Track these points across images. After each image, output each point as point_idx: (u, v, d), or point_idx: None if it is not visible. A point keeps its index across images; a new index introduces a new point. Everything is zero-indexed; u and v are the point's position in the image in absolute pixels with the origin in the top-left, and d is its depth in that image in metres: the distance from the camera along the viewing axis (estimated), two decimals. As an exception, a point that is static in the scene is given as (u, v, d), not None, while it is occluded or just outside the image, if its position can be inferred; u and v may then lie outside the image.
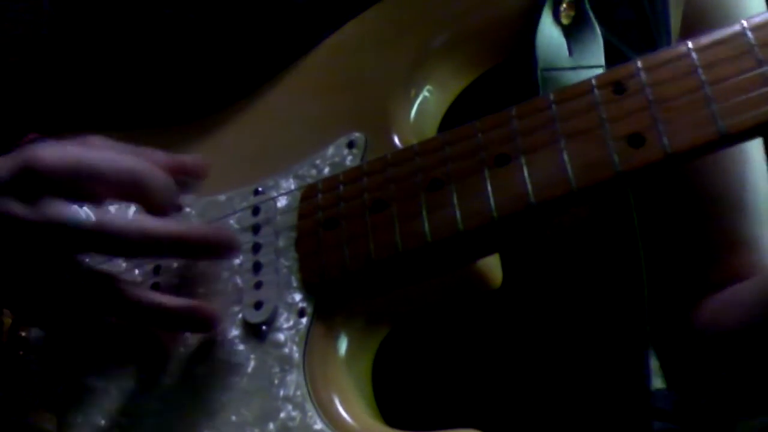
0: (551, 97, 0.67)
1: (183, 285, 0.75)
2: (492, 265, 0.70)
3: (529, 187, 0.65)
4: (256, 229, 0.75)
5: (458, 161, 0.68)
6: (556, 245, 0.76)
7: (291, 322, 0.70)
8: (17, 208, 0.67)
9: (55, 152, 0.68)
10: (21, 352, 0.78)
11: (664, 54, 0.65)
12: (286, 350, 0.70)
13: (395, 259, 0.68)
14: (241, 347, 0.71)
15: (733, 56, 0.62)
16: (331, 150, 0.75)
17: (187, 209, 0.78)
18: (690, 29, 0.88)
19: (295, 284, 0.71)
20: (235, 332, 0.72)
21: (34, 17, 0.85)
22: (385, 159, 0.71)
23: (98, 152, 0.70)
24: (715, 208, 0.90)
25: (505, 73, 0.76)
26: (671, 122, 0.62)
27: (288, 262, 0.72)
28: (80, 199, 0.67)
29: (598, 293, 0.79)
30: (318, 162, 0.75)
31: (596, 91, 0.65)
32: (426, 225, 0.67)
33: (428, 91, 0.76)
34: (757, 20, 0.62)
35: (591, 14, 0.76)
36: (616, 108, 0.64)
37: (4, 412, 0.76)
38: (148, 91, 0.84)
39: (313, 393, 0.68)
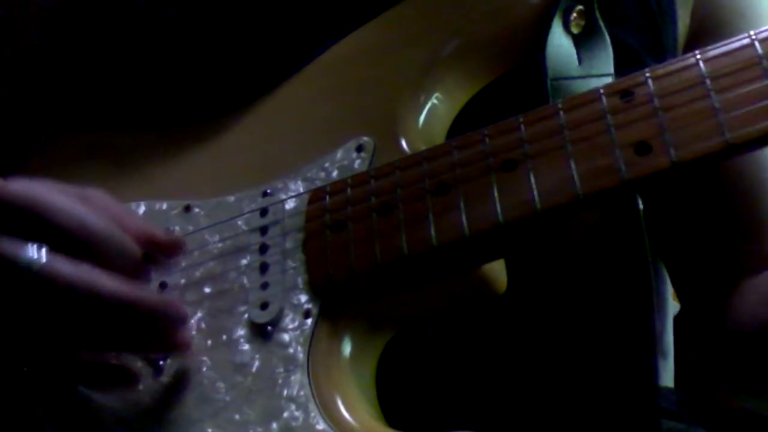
0: (559, 104, 0.67)
1: (189, 284, 0.76)
2: (497, 271, 0.71)
3: (536, 193, 0.65)
4: (264, 230, 0.75)
5: (466, 166, 0.68)
6: (562, 249, 0.76)
7: (296, 323, 0.71)
8: None
9: (15, 187, 0.67)
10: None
11: (672, 64, 0.65)
12: (291, 351, 0.70)
13: (401, 262, 0.69)
14: (247, 347, 0.72)
15: (740, 67, 0.62)
16: (339, 153, 0.76)
17: (196, 210, 0.79)
18: (700, 34, 0.88)
19: (301, 285, 0.72)
20: (240, 332, 0.73)
21: (37, 21, 0.86)
22: (393, 163, 0.72)
23: (60, 197, 0.68)
24: (743, 195, 0.89)
25: (515, 81, 0.77)
26: (678, 131, 0.62)
27: (295, 264, 0.73)
28: (39, 240, 0.66)
29: (604, 296, 0.79)
30: (327, 165, 0.76)
31: (604, 99, 0.66)
32: (432, 229, 0.68)
33: (437, 98, 0.77)
34: (765, 32, 0.63)
35: (601, 23, 0.77)
36: (623, 116, 0.64)
37: (4, 413, 0.76)
38: (161, 93, 0.84)
39: (316, 393, 0.68)
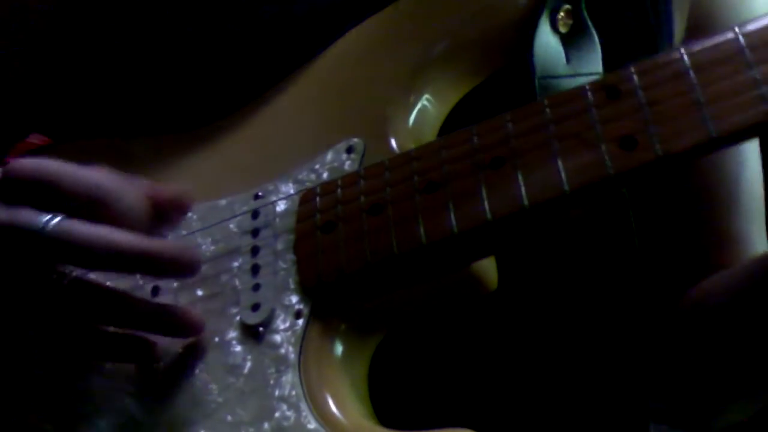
0: (545, 101, 0.67)
1: (182, 287, 0.76)
2: (487, 268, 0.71)
3: (523, 189, 0.65)
4: (255, 232, 0.76)
5: (453, 164, 0.69)
6: (552, 246, 0.76)
7: (287, 324, 0.71)
8: None
9: (27, 161, 0.69)
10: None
11: (657, 58, 0.65)
12: (282, 351, 0.70)
13: (391, 261, 0.69)
14: (238, 348, 0.72)
15: (724, 59, 0.62)
16: (330, 155, 0.76)
17: (188, 213, 0.79)
18: (696, 32, 0.88)
19: (292, 286, 0.72)
20: (232, 334, 0.73)
21: (36, 23, 0.86)
22: (382, 163, 0.72)
23: (70, 166, 0.70)
24: (708, 203, 0.90)
25: (504, 81, 0.77)
26: (663, 125, 0.63)
27: (286, 265, 0.73)
28: (54, 209, 0.67)
29: (595, 294, 0.80)
30: (317, 167, 0.76)
31: (589, 94, 0.66)
32: (421, 228, 0.68)
33: (427, 98, 0.77)
34: (748, 25, 0.63)
35: (589, 22, 0.77)
36: (608, 111, 0.65)
37: (4, 413, 0.77)
38: (150, 98, 0.85)
39: (307, 393, 0.68)
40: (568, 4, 0.77)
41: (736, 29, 0.63)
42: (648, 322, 0.83)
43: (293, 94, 0.81)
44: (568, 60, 0.76)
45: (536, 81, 0.75)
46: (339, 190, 0.73)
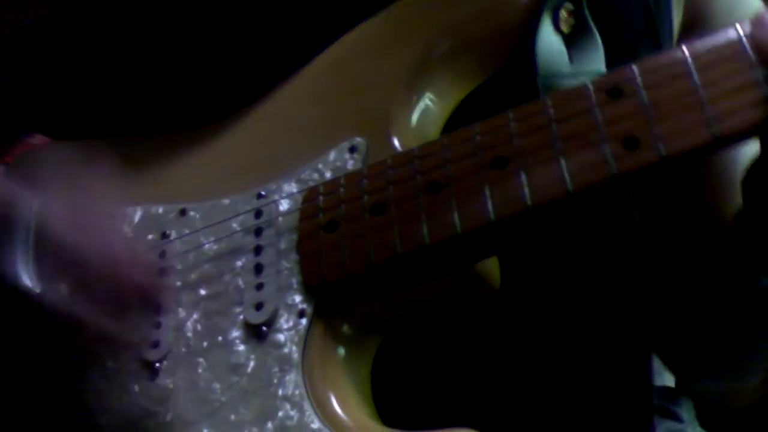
0: (548, 100, 0.67)
1: (185, 287, 0.76)
2: (490, 268, 0.71)
3: (526, 189, 0.66)
4: (258, 231, 0.76)
5: (457, 164, 0.69)
6: (554, 244, 0.76)
7: (291, 323, 0.71)
8: None
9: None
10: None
11: (659, 58, 0.65)
12: (286, 350, 0.70)
13: (394, 261, 0.69)
14: (242, 347, 0.72)
15: (726, 60, 0.62)
16: (333, 155, 0.76)
17: (192, 213, 0.79)
18: (692, 27, 0.88)
19: (295, 286, 0.72)
20: (236, 333, 0.73)
21: (33, 22, 0.86)
22: (385, 162, 0.72)
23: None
24: (710, 187, 0.89)
25: (507, 81, 0.77)
26: (666, 125, 0.63)
27: (289, 264, 0.73)
28: None
29: (598, 292, 0.80)
30: (320, 166, 0.76)
31: (592, 94, 0.66)
32: (424, 227, 0.68)
33: (430, 98, 0.77)
34: (751, 25, 0.63)
35: (591, 21, 0.77)
36: (611, 111, 0.65)
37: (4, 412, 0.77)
38: (151, 98, 0.85)
39: (311, 392, 0.68)
40: (570, 3, 0.77)
41: (739, 29, 0.63)
42: (651, 319, 0.83)
43: (296, 93, 0.81)
44: (570, 59, 0.76)
45: (539, 80, 0.75)
46: (342, 189, 0.73)
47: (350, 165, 0.75)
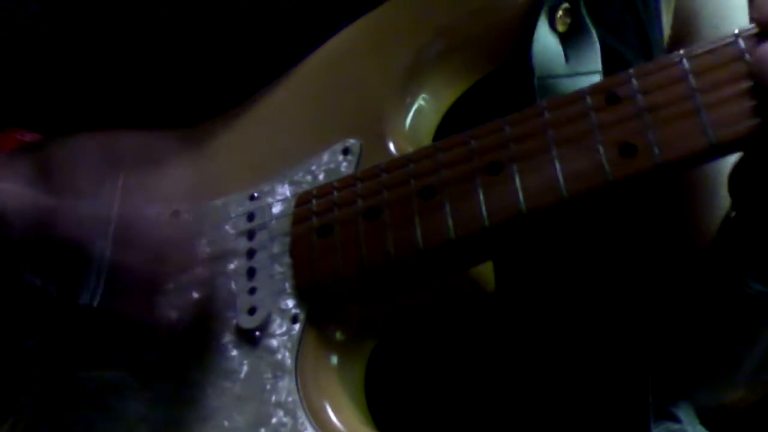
0: (544, 104, 0.67)
1: (177, 289, 0.75)
2: (485, 272, 0.71)
3: (521, 195, 0.65)
4: (251, 234, 0.75)
5: (451, 169, 0.68)
6: (549, 248, 0.75)
7: (284, 328, 0.71)
8: None
9: None
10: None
11: (656, 62, 0.64)
12: (279, 356, 0.70)
13: (387, 266, 0.68)
14: (235, 353, 0.72)
15: (724, 65, 0.61)
16: (326, 156, 0.75)
17: (184, 215, 0.79)
18: (681, 30, 0.88)
19: (288, 290, 0.72)
20: (228, 337, 0.73)
21: (31, 20, 0.85)
22: (379, 166, 0.71)
23: None
24: (689, 197, 0.89)
25: (502, 81, 0.76)
26: (662, 131, 0.62)
27: (282, 268, 0.72)
28: None
29: (592, 294, 0.79)
30: (313, 168, 0.75)
31: (588, 99, 0.65)
32: (418, 232, 0.67)
33: (424, 98, 0.76)
34: (749, 29, 0.62)
35: (588, 21, 0.76)
36: (607, 116, 0.64)
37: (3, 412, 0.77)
38: (143, 97, 0.84)
39: (304, 399, 0.68)
40: (567, 2, 0.76)
41: (737, 34, 0.62)
42: (646, 321, 0.82)
43: (289, 94, 0.81)
44: (567, 59, 0.76)
45: (535, 80, 0.74)
46: (335, 193, 0.72)
47: (344, 166, 0.74)
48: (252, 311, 0.72)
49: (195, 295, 0.75)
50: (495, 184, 0.66)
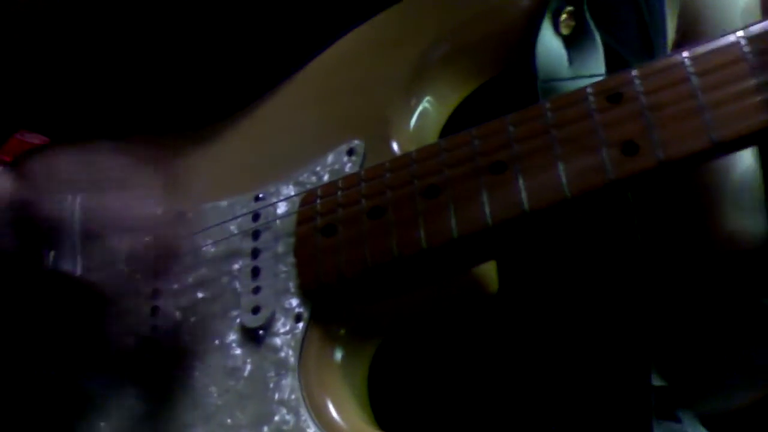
0: (547, 104, 0.67)
1: (183, 289, 0.76)
2: (488, 272, 0.71)
3: (524, 194, 0.65)
4: (255, 234, 0.75)
5: (454, 168, 0.68)
6: (553, 248, 0.76)
7: (287, 327, 0.71)
8: None
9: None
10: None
11: (659, 62, 0.65)
12: (282, 355, 0.70)
13: (391, 265, 0.69)
14: (238, 351, 0.72)
15: (727, 65, 0.62)
16: (330, 157, 0.76)
17: (190, 215, 0.79)
18: (686, 30, 0.88)
19: (292, 289, 0.72)
20: (232, 336, 0.73)
21: (34, 21, 0.86)
22: (383, 165, 0.72)
23: None
24: (698, 197, 0.89)
25: (506, 83, 0.77)
26: (665, 130, 0.62)
27: (286, 268, 0.73)
28: None
29: (596, 296, 0.79)
30: (318, 169, 0.76)
31: (591, 98, 0.65)
32: (422, 231, 0.68)
33: (428, 101, 0.77)
34: (751, 29, 0.63)
35: (591, 24, 0.76)
36: (610, 116, 0.64)
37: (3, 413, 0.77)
38: (149, 99, 0.85)
39: (307, 397, 0.68)
40: (571, 5, 0.76)
41: (739, 33, 0.63)
42: (648, 321, 0.82)
43: (294, 95, 0.81)
44: (570, 62, 0.76)
45: (539, 83, 0.74)
46: (339, 193, 0.73)
47: (348, 167, 0.75)
48: (256, 310, 0.72)
49: (200, 294, 0.75)
50: (498, 183, 0.66)
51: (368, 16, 0.79)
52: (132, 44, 0.85)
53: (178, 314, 0.75)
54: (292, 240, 0.73)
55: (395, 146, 0.74)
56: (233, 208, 0.78)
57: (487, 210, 0.66)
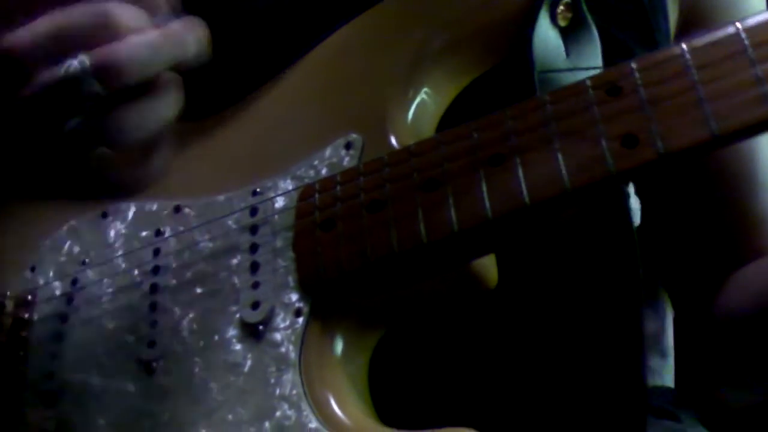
0: (546, 97, 0.67)
1: (181, 285, 0.76)
2: (487, 266, 0.71)
3: (524, 187, 0.65)
4: (254, 229, 0.75)
5: (454, 161, 0.68)
6: (552, 243, 0.76)
7: (287, 322, 0.71)
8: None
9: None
10: (21, 353, 0.79)
11: (658, 54, 0.65)
12: (283, 350, 0.70)
13: (391, 259, 0.68)
14: (238, 347, 0.72)
15: (726, 57, 0.62)
16: (328, 151, 0.75)
17: (186, 210, 0.79)
18: (687, 27, 0.88)
19: (291, 284, 0.72)
20: (232, 332, 0.73)
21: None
22: (381, 159, 0.71)
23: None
24: (730, 188, 0.89)
25: (503, 75, 0.77)
26: (665, 123, 0.62)
27: (285, 262, 0.73)
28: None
29: (594, 291, 0.79)
30: (316, 163, 0.76)
31: (590, 91, 0.65)
32: (421, 225, 0.68)
33: (426, 93, 0.76)
34: (750, 21, 0.63)
35: (588, 16, 0.77)
36: (610, 108, 0.64)
37: (3, 412, 0.76)
38: None
39: (308, 392, 0.68)
40: None
41: (738, 25, 0.63)
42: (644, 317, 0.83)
43: (291, 89, 0.81)
44: (567, 54, 0.76)
45: (535, 75, 0.74)
46: (338, 187, 0.72)
47: (346, 161, 0.74)
48: (255, 305, 0.72)
49: (198, 290, 0.75)
50: (498, 176, 0.66)
51: (363, 8, 0.79)
52: None
53: (177, 310, 0.75)
54: (290, 234, 0.73)
55: (393, 139, 0.74)
56: (231, 202, 0.77)
57: (487, 203, 0.66)
